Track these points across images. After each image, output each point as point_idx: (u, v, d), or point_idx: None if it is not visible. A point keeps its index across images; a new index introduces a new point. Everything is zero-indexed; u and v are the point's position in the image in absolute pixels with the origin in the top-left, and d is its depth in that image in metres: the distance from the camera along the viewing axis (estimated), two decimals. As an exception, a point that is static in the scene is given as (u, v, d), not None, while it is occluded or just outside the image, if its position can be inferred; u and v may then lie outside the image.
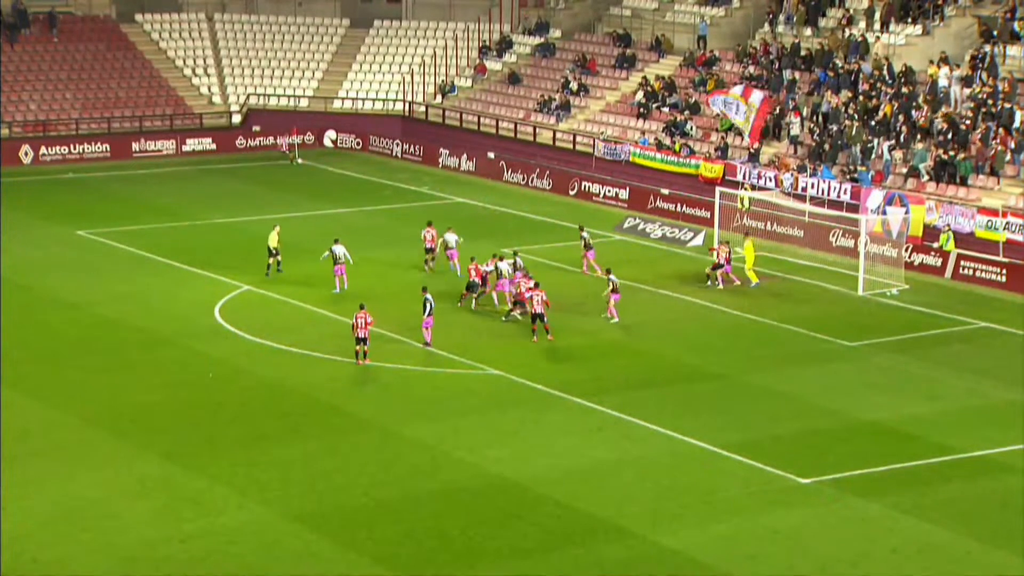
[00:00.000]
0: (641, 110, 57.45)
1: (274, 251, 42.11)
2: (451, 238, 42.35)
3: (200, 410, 31.40)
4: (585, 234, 43.15)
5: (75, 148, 61.62)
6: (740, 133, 51.47)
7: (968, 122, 47.95)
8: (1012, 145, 46.47)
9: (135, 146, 62.39)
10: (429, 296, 35.49)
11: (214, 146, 63.60)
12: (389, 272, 43.48)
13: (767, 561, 24.24)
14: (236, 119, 65.69)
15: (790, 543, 24.94)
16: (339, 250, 40.40)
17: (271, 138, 64.11)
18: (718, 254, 41.47)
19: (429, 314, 35.15)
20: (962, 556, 24.55)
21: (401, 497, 26.75)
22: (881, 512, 26.19)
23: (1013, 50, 50.53)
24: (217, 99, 66.72)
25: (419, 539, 24.96)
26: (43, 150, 61.06)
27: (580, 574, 23.77)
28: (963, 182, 46.52)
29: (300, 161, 60.68)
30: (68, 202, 53.78)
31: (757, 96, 49.46)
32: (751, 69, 56.40)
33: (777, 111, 52.94)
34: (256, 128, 64.80)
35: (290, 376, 33.63)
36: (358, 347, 33.60)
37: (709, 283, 41.14)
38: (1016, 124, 46.94)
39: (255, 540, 24.85)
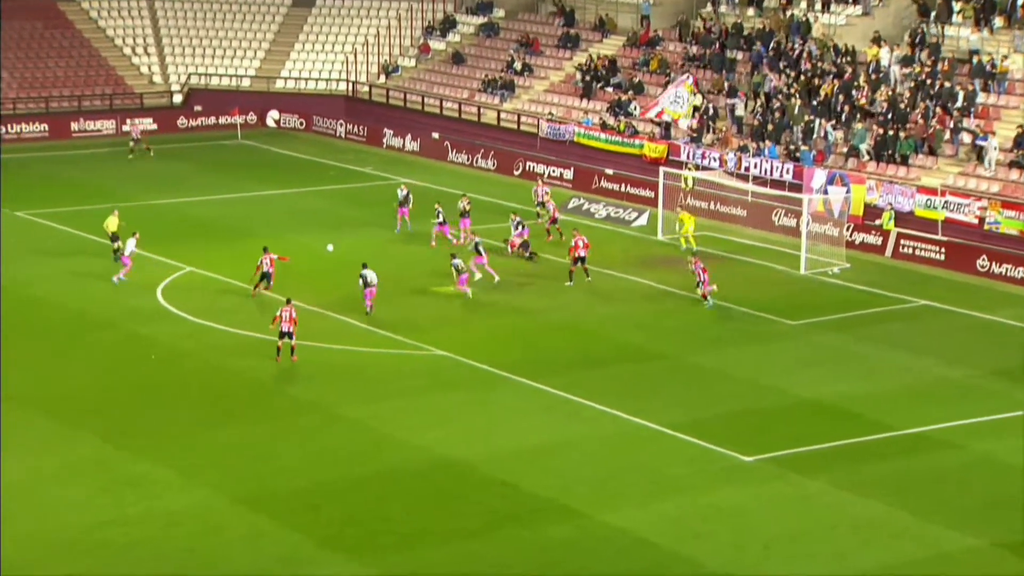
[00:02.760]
0: (584, 90, 57.52)
1: (116, 237, 40.63)
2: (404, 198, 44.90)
3: (143, 392, 31.15)
4: (464, 203, 44.06)
5: (12, 128, 60.72)
6: (673, 122, 51.61)
7: (906, 101, 48.46)
8: (950, 124, 47.03)
9: (74, 126, 61.60)
10: (366, 272, 36.07)
11: (155, 126, 62.92)
12: (334, 252, 43.24)
13: (711, 539, 24.48)
14: (177, 99, 65.03)
15: (733, 521, 25.18)
16: (131, 244, 39.15)
17: (213, 118, 63.57)
18: (696, 271, 37.89)
19: (367, 286, 35.93)
20: (900, 531, 24.91)
21: (345, 479, 26.71)
22: (821, 489, 26.50)
23: (951, 30, 51.08)
24: (158, 79, 66.01)
25: (363, 521, 24.94)
26: (-20, 130, 60.18)
27: (525, 554, 23.86)
28: (903, 161, 47.04)
29: (152, 152, 57.41)
30: (6, 183, 52.96)
31: (689, 81, 50.33)
32: (693, 49, 56.63)
33: (719, 91, 53.30)
34: (198, 108, 64.20)
35: (233, 358, 33.43)
36: (280, 342, 32.71)
37: (710, 303, 37.63)
38: (958, 104, 47.49)
39: (198, 523, 24.72)
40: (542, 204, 46.07)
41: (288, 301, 33.31)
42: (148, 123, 60.68)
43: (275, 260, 37.73)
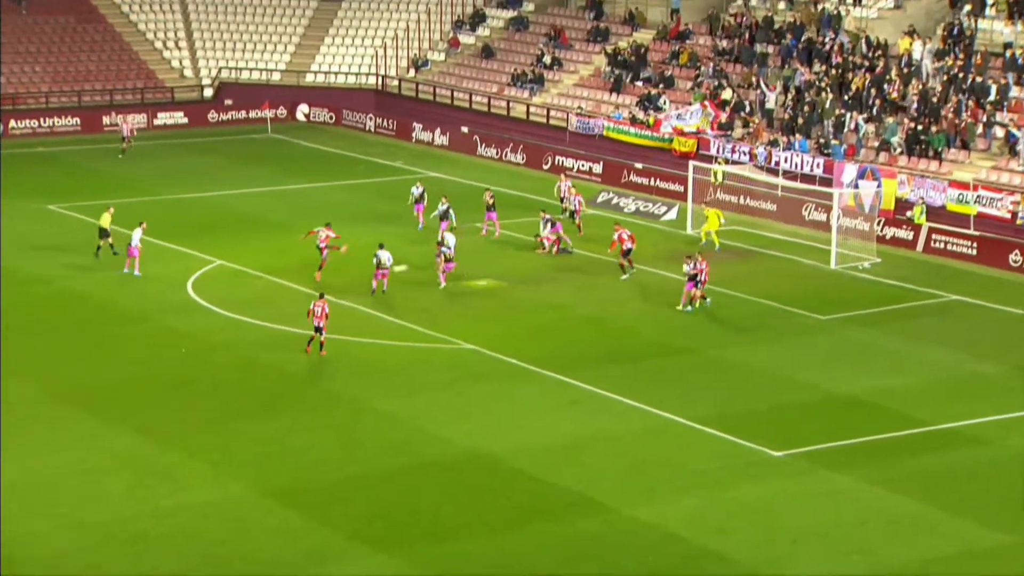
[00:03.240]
0: (613, 84, 57.40)
1: (105, 232, 40.48)
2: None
3: (173, 386, 31.32)
4: (488, 197, 44.32)
5: (45, 122, 61.16)
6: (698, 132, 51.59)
7: (939, 95, 48.13)
8: (983, 118, 46.69)
9: (106, 120, 61.92)
10: (381, 252, 36.99)
11: (186, 120, 63.25)
12: (362, 247, 43.35)
13: (739, 534, 24.42)
14: (208, 93, 65.32)
15: (762, 516, 25.12)
16: (137, 234, 39.21)
17: (243, 112, 63.85)
18: (700, 268, 36.41)
19: (379, 267, 36.87)
20: (930, 527, 24.80)
21: (374, 472, 26.79)
22: (851, 484, 26.40)
23: (984, 23, 50.71)
24: (189, 72, 66.32)
25: (392, 514, 25.02)
26: (12, 123, 60.59)
27: (553, 548, 23.87)
28: (936, 155, 46.74)
29: (133, 144, 56.23)
30: (38, 176, 53.41)
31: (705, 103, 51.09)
32: (723, 43, 56.43)
33: (748, 85, 53.17)
34: (228, 102, 64.46)
35: (263, 351, 33.58)
36: (314, 335, 32.83)
37: (703, 302, 36.57)
38: (991, 97, 47.15)
39: (229, 515, 24.86)
40: (564, 199, 45.75)
41: (321, 295, 33.45)
42: (139, 119, 60.10)
43: (330, 237, 38.73)
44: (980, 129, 46.68)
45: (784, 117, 51.07)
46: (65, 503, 25.26)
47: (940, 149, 46.69)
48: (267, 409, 30.02)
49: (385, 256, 37.23)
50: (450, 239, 39.45)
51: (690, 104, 51.83)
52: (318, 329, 32.74)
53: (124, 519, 24.61)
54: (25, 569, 22.86)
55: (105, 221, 40.95)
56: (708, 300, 36.80)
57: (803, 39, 53.65)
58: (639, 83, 56.91)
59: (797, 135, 49.62)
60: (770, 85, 52.48)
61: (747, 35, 55.89)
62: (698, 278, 36.42)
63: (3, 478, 25.99)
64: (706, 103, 51.40)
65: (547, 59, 60.80)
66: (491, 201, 44.37)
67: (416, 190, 45.67)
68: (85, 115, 61.76)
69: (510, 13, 65.43)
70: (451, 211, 42.85)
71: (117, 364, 32.76)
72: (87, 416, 29.41)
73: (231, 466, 26.90)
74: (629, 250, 39.55)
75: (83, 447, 27.78)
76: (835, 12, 54.16)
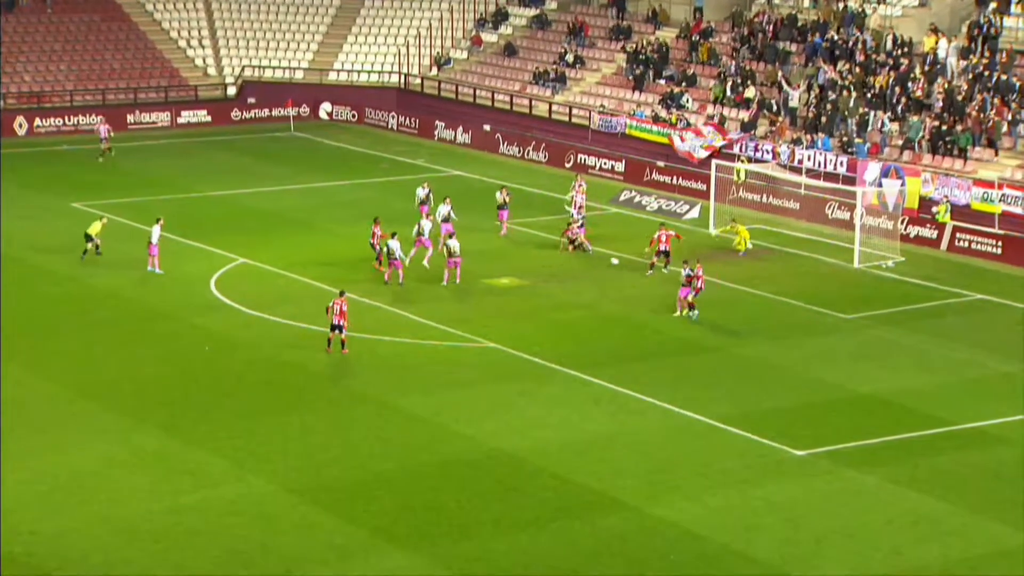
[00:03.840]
0: (635, 83, 57.33)
1: (92, 238, 40.46)
2: (443, 209, 42.05)
3: (197, 383, 31.44)
4: (502, 195, 44.04)
5: (70, 120, 61.47)
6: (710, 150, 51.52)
7: (964, 93, 47.90)
8: (1009, 116, 46.45)
9: (130, 118, 62.22)
10: (392, 243, 37.27)
11: (209, 118, 63.47)
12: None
13: (762, 533, 24.36)
14: (231, 91, 65.52)
15: (785, 515, 25.06)
16: (156, 230, 39.33)
17: (266, 110, 64.05)
18: (699, 276, 35.68)
19: (391, 257, 37.27)
20: (956, 527, 24.69)
21: (398, 470, 26.83)
22: (876, 484, 26.31)
23: (1010, 21, 50.45)
24: (212, 71, 66.55)
25: (416, 511, 25.06)
26: (38, 121, 60.93)
27: (576, 546, 23.87)
28: (962, 154, 46.52)
29: (112, 153, 55.32)
30: (63, 174, 53.68)
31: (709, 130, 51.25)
32: (745, 33, 56.28)
33: (772, 83, 53.04)
34: (251, 100, 64.67)
35: (286, 349, 33.66)
36: (332, 334, 32.75)
37: (691, 313, 35.67)
38: (1016, 95, 46.89)
39: (253, 512, 24.93)
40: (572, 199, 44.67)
41: (341, 293, 33.48)
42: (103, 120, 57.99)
43: (380, 236, 38.74)
44: (1005, 127, 46.44)
45: (808, 115, 50.92)
46: (90, 500, 25.37)
47: (966, 148, 46.48)
48: (291, 407, 30.09)
49: (395, 246, 37.39)
50: (426, 225, 39.63)
51: (691, 124, 52.00)
52: (335, 327, 32.75)
53: (149, 515, 24.71)
54: (51, 565, 22.98)
55: (94, 229, 40.88)
56: (696, 313, 35.47)
57: (827, 37, 53.46)
58: (661, 81, 56.83)
59: (820, 133, 49.48)
60: (793, 83, 52.33)
61: (769, 30, 55.73)
62: (692, 283, 35.53)
63: (28, 475, 26.14)
64: (700, 127, 51.48)
65: (569, 57, 60.75)
66: (506, 199, 43.99)
67: (422, 191, 44.61)
68: (109, 113, 61.95)
69: (533, 11, 65.41)
70: (452, 213, 41.54)
71: (141, 362, 32.88)
72: (111, 413, 29.53)
73: (255, 463, 26.97)
74: (667, 250, 39.33)
75: (108, 444, 27.90)
76: (859, 10, 53.96)
